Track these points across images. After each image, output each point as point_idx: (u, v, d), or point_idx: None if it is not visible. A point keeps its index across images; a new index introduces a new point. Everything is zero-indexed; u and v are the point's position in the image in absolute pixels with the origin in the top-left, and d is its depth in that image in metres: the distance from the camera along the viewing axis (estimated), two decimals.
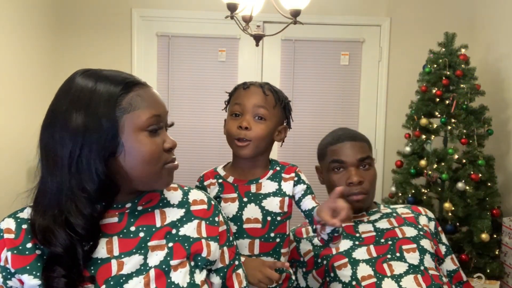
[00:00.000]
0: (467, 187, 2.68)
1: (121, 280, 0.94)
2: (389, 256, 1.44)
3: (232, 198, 1.34)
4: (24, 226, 0.97)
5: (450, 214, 2.67)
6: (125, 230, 0.99)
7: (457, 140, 2.73)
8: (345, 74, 3.50)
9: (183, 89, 3.47)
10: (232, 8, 2.40)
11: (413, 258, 1.44)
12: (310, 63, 3.48)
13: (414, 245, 1.47)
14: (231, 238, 1.13)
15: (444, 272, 1.58)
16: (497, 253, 2.68)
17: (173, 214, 1.05)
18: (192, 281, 0.99)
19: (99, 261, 0.95)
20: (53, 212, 0.93)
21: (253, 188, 1.35)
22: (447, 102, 2.80)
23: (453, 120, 2.77)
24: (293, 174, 1.37)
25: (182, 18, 3.42)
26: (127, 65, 3.38)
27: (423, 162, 2.75)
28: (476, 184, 2.70)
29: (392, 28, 3.46)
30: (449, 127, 2.77)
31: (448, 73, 2.79)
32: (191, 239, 1.02)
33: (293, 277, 1.40)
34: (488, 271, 2.60)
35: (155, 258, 0.98)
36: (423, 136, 2.81)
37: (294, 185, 1.36)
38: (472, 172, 2.67)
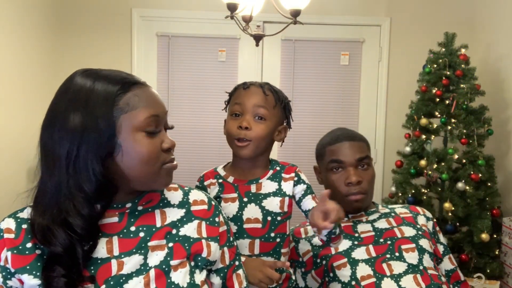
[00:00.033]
0: (467, 187, 2.68)
1: (121, 280, 0.94)
2: (388, 256, 1.44)
3: (232, 198, 1.34)
4: (24, 226, 0.97)
5: (450, 214, 2.67)
6: (125, 230, 0.99)
7: (457, 140, 2.73)
8: (345, 74, 3.50)
9: (183, 89, 3.47)
10: (232, 8, 2.40)
11: (412, 257, 1.44)
12: (310, 63, 3.48)
13: (413, 245, 1.47)
14: (231, 239, 1.13)
15: (443, 271, 1.58)
16: (497, 253, 2.68)
17: (174, 214, 1.05)
18: (192, 281, 0.99)
19: (99, 261, 0.95)
20: (52, 212, 0.93)
21: (253, 188, 1.35)
22: (447, 102, 2.80)
23: (453, 120, 2.77)
24: (293, 174, 1.37)
25: (182, 18, 3.42)
26: (127, 65, 3.38)
27: (423, 162, 2.75)
28: (476, 184, 2.70)
29: (392, 28, 3.46)
30: (449, 127, 2.77)
31: (448, 73, 2.79)
32: (191, 239, 1.02)
33: (293, 277, 1.40)
34: (488, 271, 2.60)
35: (155, 258, 0.98)
36: (423, 136, 2.81)
37: (294, 185, 1.36)
38: (472, 172, 2.67)
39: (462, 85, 2.76)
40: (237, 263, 1.13)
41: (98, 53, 3.37)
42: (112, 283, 0.94)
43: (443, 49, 2.85)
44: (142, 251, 0.97)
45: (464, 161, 2.73)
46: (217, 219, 1.09)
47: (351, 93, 3.52)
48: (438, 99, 2.82)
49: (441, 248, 1.60)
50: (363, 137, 1.61)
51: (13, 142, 2.65)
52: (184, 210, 1.06)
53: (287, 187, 1.35)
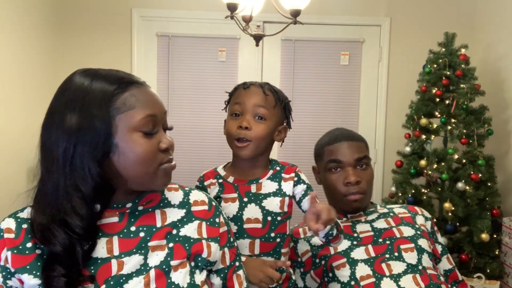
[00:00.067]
0: (467, 187, 2.68)
1: (121, 280, 0.94)
2: (387, 255, 1.44)
3: (232, 198, 1.34)
4: (24, 226, 0.97)
5: (450, 214, 2.67)
6: (125, 230, 0.99)
7: (457, 140, 2.73)
8: (345, 74, 3.50)
9: (183, 89, 3.47)
10: (232, 8, 2.40)
11: (411, 257, 1.44)
12: (310, 63, 3.48)
13: (412, 245, 1.47)
14: (231, 239, 1.13)
15: (441, 271, 1.58)
16: (497, 253, 2.68)
17: (174, 215, 1.05)
18: (192, 282, 0.99)
19: (99, 261, 0.95)
20: (51, 211, 0.93)
21: (253, 188, 1.35)
22: (447, 102, 2.80)
23: (453, 120, 2.77)
24: (293, 174, 1.37)
25: (182, 18, 3.42)
26: (127, 65, 3.38)
27: (423, 162, 2.75)
28: (476, 184, 2.70)
29: (392, 28, 3.46)
30: (449, 127, 2.77)
31: (448, 73, 2.79)
32: (192, 240, 1.02)
33: (293, 277, 1.40)
34: (488, 271, 2.60)
35: (156, 258, 0.97)
36: (423, 136, 2.81)
37: (294, 185, 1.36)
38: (472, 172, 2.67)
39: (462, 85, 2.77)
40: (237, 263, 1.13)
41: (98, 53, 3.37)
42: (112, 283, 0.94)
43: (443, 49, 2.85)
44: (142, 251, 0.97)
45: (464, 161, 2.73)
46: (217, 220, 1.09)
47: (351, 93, 3.52)
48: (438, 99, 2.82)
49: (439, 248, 1.61)
50: (362, 137, 1.61)
51: (13, 142, 2.65)
52: (184, 211, 1.06)
53: (287, 187, 1.35)
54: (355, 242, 1.48)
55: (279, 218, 1.33)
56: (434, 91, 2.82)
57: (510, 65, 2.92)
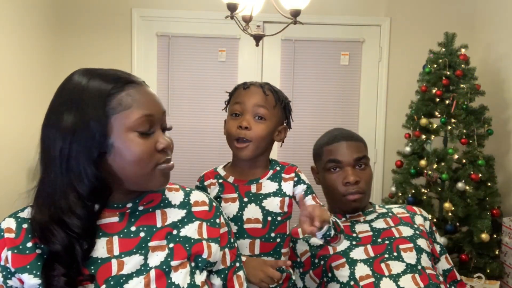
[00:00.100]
0: (467, 187, 2.68)
1: (121, 280, 0.94)
2: (386, 255, 1.44)
3: (232, 198, 1.34)
4: (25, 226, 0.97)
5: (450, 214, 2.67)
6: (125, 230, 0.99)
7: (457, 140, 2.73)
8: (345, 74, 3.50)
9: (183, 89, 3.47)
10: (232, 8, 2.40)
11: (410, 257, 1.44)
12: (310, 63, 3.48)
13: (411, 245, 1.47)
14: (232, 240, 1.13)
15: (440, 271, 1.59)
16: (497, 253, 2.68)
17: (174, 215, 1.04)
18: (192, 282, 0.99)
19: (99, 261, 0.95)
20: (49, 210, 0.93)
21: (253, 188, 1.35)
22: (447, 102, 2.81)
23: (453, 120, 2.77)
24: (293, 174, 1.37)
25: (182, 18, 3.42)
26: (127, 65, 3.38)
27: (423, 162, 2.75)
28: (476, 184, 2.70)
29: (392, 28, 3.46)
30: (449, 127, 2.77)
31: (448, 73, 2.79)
32: (192, 240, 1.02)
33: (293, 277, 1.40)
34: (488, 271, 2.60)
35: (156, 258, 0.97)
36: (423, 136, 2.82)
37: (294, 185, 1.36)
38: (472, 172, 2.67)
39: (462, 85, 2.77)
40: (237, 264, 1.13)
41: (98, 53, 3.37)
42: (112, 283, 0.94)
43: (443, 49, 2.85)
44: (143, 251, 0.97)
45: (464, 161, 2.73)
46: (218, 221, 1.09)
47: (351, 93, 3.52)
48: (438, 99, 2.82)
49: (438, 248, 1.61)
50: (361, 137, 1.62)
51: (13, 142, 2.65)
52: (185, 211, 1.06)
53: (287, 187, 1.35)
54: (354, 242, 1.48)
55: (279, 218, 1.33)
56: (434, 91, 2.82)
57: (510, 65, 2.92)
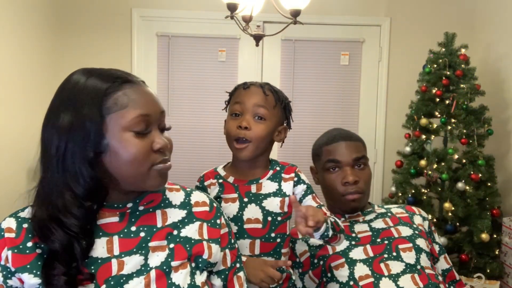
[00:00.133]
0: (467, 187, 2.68)
1: (122, 280, 0.94)
2: (385, 255, 1.44)
3: (232, 198, 1.34)
4: (25, 225, 0.97)
5: (450, 214, 2.67)
6: (125, 230, 0.99)
7: (457, 140, 2.73)
8: (345, 74, 3.50)
9: (183, 89, 3.47)
10: (232, 8, 2.40)
11: (409, 257, 1.44)
12: (310, 63, 3.48)
13: (410, 245, 1.47)
14: (232, 241, 1.12)
15: (439, 271, 1.59)
16: (497, 253, 2.68)
17: (175, 215, 1.04)
18: (192, 283, 0.99)
19: (99, 261, 0.95)
20: (48, 210, 0.93)
21: (253, 188, 1.35)
22: (447, 102, 2.81)
23: (453, 120, 2.77)
24: (292, 175, 1.37)
25: (182, 18, 3.42)
26: (127, 65, 3.38)
27: (423, 162, 2.75)
28: (476, 184, 2.70)
29: (392, 28, 3.46)
30: (449, 127, 2.78)
31: (448, 73, 2.79)
32: (193, 241, 1.02)
33: (294, 277, 1.40)
34: (488, 271, 2.60)
35: (156, 259, 0.97)
36: (423, 136, 2.82)
37: (294, 185, 1.36)
38: (472, 172, 2.67)
39: (462, 85, 2.77)
40: (238, 265, 1.13)
41: (98, 53, 3.37)
42: (112, 283, 0.94)
43: (443, 49, 2.85)
44: (143, 252, 0.97)
45: (464, 161, 2.73)
46: (218, 221, 1.09)
47: (351, 93, 3.52)
48: (438, 99, 2.82)
49: (437, 248, 1.61)
50: (359, 137, 1.62)
51: (13, 142, 2.65)
52: (185, 211, 1.06)
53: (287, 187, 1.35)
54: (353, 242, 1.48)
55: (279, 218, 1.33)
56: (434, 91, 2.82)
57: (510, 65, 2.92)
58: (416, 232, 1.53)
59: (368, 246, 1.47)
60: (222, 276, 1.09)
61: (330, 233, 1.22)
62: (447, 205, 2.66)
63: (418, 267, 1.42)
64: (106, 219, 0.99)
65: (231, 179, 1.37)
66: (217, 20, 3.16)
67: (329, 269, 1.45)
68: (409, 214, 1.61)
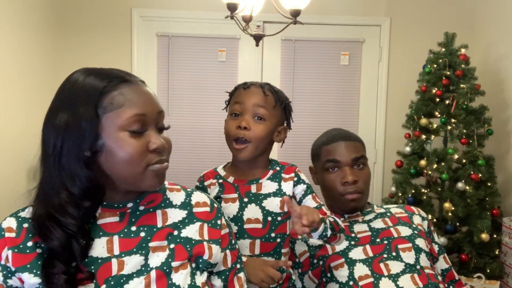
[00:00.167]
0: (467, 187, 2.68)
1: (122, 280, 0.94)
2: (385, 255, 1.44)
3: (232, 199, 1.34)
4: (25, 225, 0.97)
5: (450, 214, 2.67)
6: (125, 230, 0.99)
7: (457, 140, 2.73)
8: (345, 74, 3.50)
9: (183, 89, 3.47)
10: (232, 8, 2.40)
11: (409, 257, 1.44)
12: (310, 63, 3.48)
13: (410, 244, 1.47)
14: (233, 242, 1.12)
15: (438, 271, 1.59)
16: (497, 253, 2.68)
17: (175, 215, 1.04)
18: (193, 283, 0.99)
19: (99, 261, 0.95)
20: (47, 208, 0.94)
21: (253, 188, 1.35)
22: (447, 102, 2.81)
23: (453, 120, 2.77)
24: (292, 174, 1.37)
25: (182, 18, 3.42)
26: (127, 65, 3.38)
27: (423, 162, 2.75)
28: (476, 184, 2.70)
29: (392, 28, 3.46)
30: (449, 127, 2.77)
31: (448, 73, 2.79)
32: (193, 241, 1.02)
33: (293, 277, 1.40)
34: (488, 271, 2.60)
35: (157, 259, 0.97)
36: (423, 136, 2.82)
37: (294, 185, 1.36)
38: (472, 172, 2.67)
39: (462, 85, 2.77)
40: (238, 266, 1.13)
41: (98, 53, 3.37)
42: (112, 283, 0.94)
43: (443, 49, 2.85)
44: (143, 252, 0.97)
45: (464, 161, 2.73)
46: (219, 222, 1.09)
47: (351, 93, 3.52)
48: (438, 99, 2.82)
49: (436, 248, 1.61)
50: (358, 137, 1.63)
51: (13, 142, 2.65)
52: (186, 212, 1.06)
53: (287, 187, 1.35)
54: (353, 242, 1.48)
55: (279, 218, 1.33)
56: (434, 91, 2.82)
57: (510, 65, 2.92)
58: (416, 232, 1.53)
59: (367, 246, 1.47)
60: (223, 277, 1.09)
61: (329, 233, 1.22)
62: (447, 205, 2.66)
63: (418, 267, 1.42)
64: (106, 219, 0.99)
65: (231, 179, 1.37)
66: (217, 20, 3.16)
67: (328, 269, 1.45)
68: (408, 214, 1.61)
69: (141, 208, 1.02)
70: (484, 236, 2.56)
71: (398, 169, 2.93)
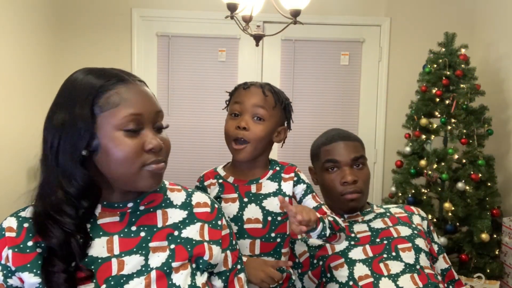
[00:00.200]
0: (467, 187, 2.68)
1: (122, 280, 0.94)
2: (385, 255, 1.44)
3: (232, 199, 1.34)
4: (26, 225, 0.98)
5: (450, 214, 2.67)
6: (126, 230, 0.99)
7: (457, 140, 2.73)
8: (345, 74, 3.50)
9: (183, 89, 3.47)
10: (232, 8, 2.40)
11: (408, 257, 1.44)
12: (310, 63, 3.48)
13: (409, 244, 1.47)
14: (234, 242, 1.12)
15: (438, 270, 1.59)
16: (497, 253, 2.68)
17: (176, 215, 1.04)
18: (193, 284, 0.99)
19: (99, 260, 0.95)
20: (45, 207, 0.94)
21: (253, 188, 1.35)
22: (447, 102, 2.81)
23: (453, 120, 2.77)
24: (292, 174, 1.37)
25: (182, 18, 3.42)
26: (127, 65, 3.38)
27: (423, 162, 2.75)
28: (476, 184, 2.70)
29: (392, 28, 3.46)
30: (449, 127, 2.78)
31: (448, 73, 2.79)
32: (194, 242, 1.02)
33: (293, 277, 1.40)
34: (488, 271, 2.60)
35: (157, 259, 0.97)
36: (423, 136, 2.82)
37: (294, 185, 1.36)
38: (472, 172, 2.67)
39: (462, 85, 2.77)
40: (239, 266, 1.13)
41: (98, 53, 3.37)
42: (112, 283, 0.94)
43: (443, 49, 2.85)
44: (143, 252, 0.97)
45: (464, 161, 2.73)
46: (219, 222, 1.08)
47: (351, 93, 3.52)
48: (438, 99, 2.82)
49: (435, 247, 1.61)
50: (358, 137, 1.63)
51: (13, 142, 2.65)
52: (186, 212, 1.06)
53: (287, 187, 1.35)
54: (352, 242, 1.48)
55: (279, 218, 1.33)
56: (434, 91, 2.82)
57: (510, 65, 2.92)
58: (415, 232, 1.53)
59: (367, 246, 1.47)
60: (223, 277, 1.09)
61: (328, 232, 1.22)
62: (447, 205, 2.66)
63: (418, 267, 1.42)
64: (106, 219, 0.99)
65: (231, 179, 1.37)
66: (217, 20, 3.16)
67: (328, 269, 1.45)
68: (408, 214, 1.61)
69: (142, 208, 1.02)
70: (484, 236, 2.56)
71: (398, 169, 2.93)
